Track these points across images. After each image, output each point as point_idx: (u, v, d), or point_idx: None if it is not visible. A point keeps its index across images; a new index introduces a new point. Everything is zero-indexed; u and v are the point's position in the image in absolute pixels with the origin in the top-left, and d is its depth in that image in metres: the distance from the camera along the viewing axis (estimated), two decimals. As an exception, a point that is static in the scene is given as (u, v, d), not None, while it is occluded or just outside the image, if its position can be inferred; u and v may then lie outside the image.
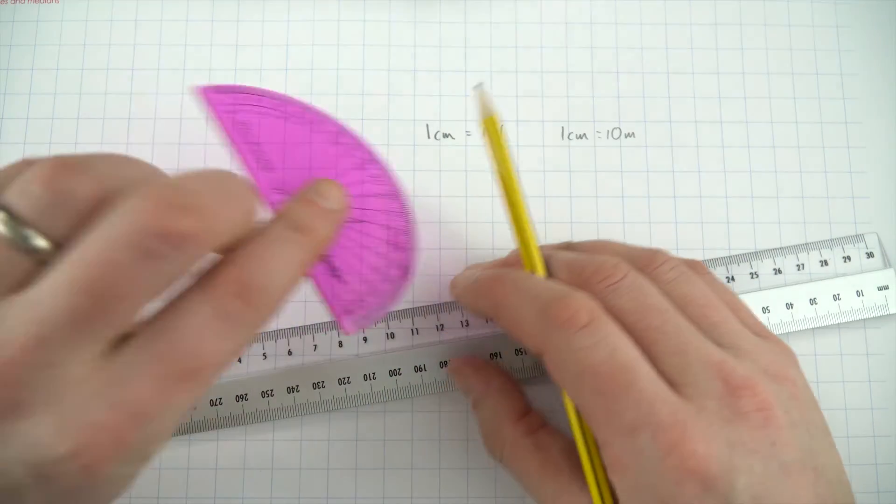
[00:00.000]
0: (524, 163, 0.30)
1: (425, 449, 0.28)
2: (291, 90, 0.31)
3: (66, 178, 0.16)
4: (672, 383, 0.20)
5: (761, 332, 0.22)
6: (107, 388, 0.16)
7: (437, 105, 0.31)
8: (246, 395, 0.27)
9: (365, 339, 0.28)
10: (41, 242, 0.15)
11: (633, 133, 0.31)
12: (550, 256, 0.23)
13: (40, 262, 0.16)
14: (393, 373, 0.27)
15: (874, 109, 0.31)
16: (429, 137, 0.30)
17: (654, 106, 0.31)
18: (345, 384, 0.27)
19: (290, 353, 0.28)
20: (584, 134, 0.31)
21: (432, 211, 0.30)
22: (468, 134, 0.30)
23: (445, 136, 0.30)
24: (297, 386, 0.27)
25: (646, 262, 0.23)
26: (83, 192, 0.16)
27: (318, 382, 0.27)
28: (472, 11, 0.32)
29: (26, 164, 0.17)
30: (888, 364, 0.29)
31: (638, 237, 0.30)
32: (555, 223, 0.30)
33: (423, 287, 0.29)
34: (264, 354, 0.28)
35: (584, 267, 0.22)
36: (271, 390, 0.27)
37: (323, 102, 0.30)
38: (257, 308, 0.17)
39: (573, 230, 0.30)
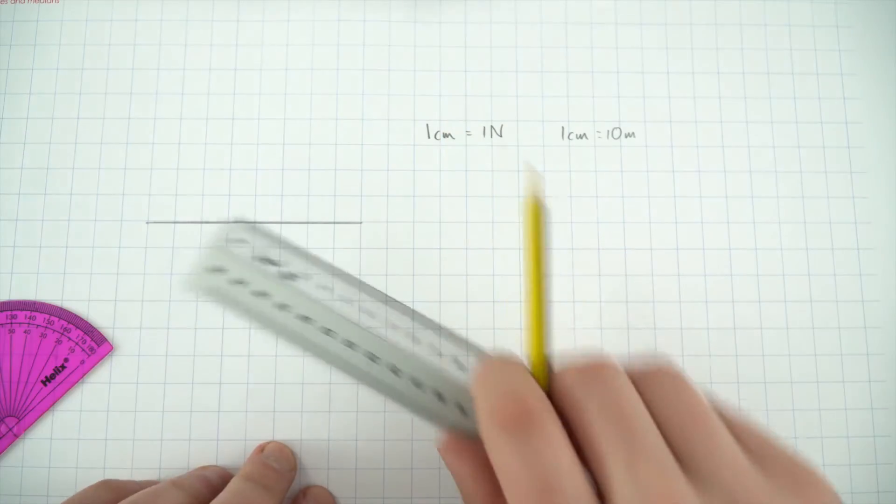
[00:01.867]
0: (524, 163, 0.30)
1: (426, 449, 0.28)
2: (291, 90, 0.31)
3: None
4: None
5: (769, 457, 0.17)
6: None
7: (437, 105, 0.31)
8: None
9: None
10: None
11: (633, 133, 0.31)
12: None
13: None
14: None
15: (874, 109, 0.31)
16: (429, 137, 0.30)
17: (654, 106, 0.31)
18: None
19: None
20: (584, 134, 0.31)
21: (432, 211, 0.30)
22: (468, 134, 0.30)
23: (445, 136, 0.30)
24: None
25: (647, 368, 0.20)
26: None
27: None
28: (472, 11, 0.32)
29: (104, 487, 0.24)
30: (888, 364, 0.29)
31: (638, 237, 0.30)
32: (555, 223, 0.30)
33: (423, 287, 0.29)
34: None
35: (578, 362, 0.19)
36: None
37: (323, 102, 0.31)
38: None
39: (573, 230, 0.30)
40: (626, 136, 0.31)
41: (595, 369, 0.19)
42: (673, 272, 0.29)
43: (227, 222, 0.29)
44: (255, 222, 0.29)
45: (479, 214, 0.30)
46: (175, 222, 0.29)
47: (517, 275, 0.29)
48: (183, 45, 0.31)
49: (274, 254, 0.27)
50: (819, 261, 0.30)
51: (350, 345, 0.27)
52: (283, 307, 0.27)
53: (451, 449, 0.24)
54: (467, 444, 0.24)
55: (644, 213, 0.30)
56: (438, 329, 0.27)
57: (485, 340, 0.29)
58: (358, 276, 0.29)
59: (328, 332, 0.27)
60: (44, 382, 0.28)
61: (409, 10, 0.32)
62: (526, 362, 0.21)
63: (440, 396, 0.26)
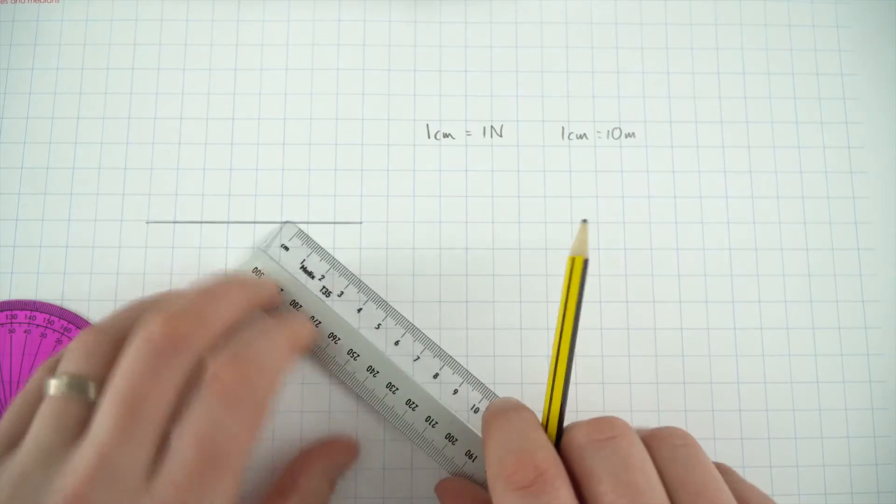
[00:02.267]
0: (524, 163, 0.30)
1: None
2: (291, 90, 0.31)
3: (96, 338, 0.21)
4: None
5: None
6: (154, 493, 0.18)
7: (437, 105, 0.31)
8: None
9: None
10: (91, 386, 0.20)
11: (633, 133, 0.31)
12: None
13: (92, 403, 0.20)
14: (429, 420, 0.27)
15: (874, 109, 0.31)
16: (429, 137, 0.30)
17: (654, 106, 0.31)
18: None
19: None
20: (584, 134, 0.31)
21: (432, 211, 0.30)
22: (468, 134, 0.30)
23: (445, 136, 0.30)
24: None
25: (658, 433, 0.21)
26: (104, 341, 0.21)
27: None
28: (472, 11, 0.32)
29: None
30: (888, 364, 0.29)
31: (638, 237, 0.30)
32: (555, 223, 0.30)
33: (423, 287, 0.29)
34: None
35: (591, 422, 0.20)
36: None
37: (323, 102, 0.31)
38: (252, 380, 0.20)
39: (573, 230, 0.30)
40: (626, 136, 0.31)
41: (607, 428, 0.19)
42: (673, 272, 0.29)
43: (281, 222, 0.29)
44: (306, 221, 0.29)
45: (480, 214, 0.30)
46: (175, 222, 0.29)
47: (517, 275, 0.29)
48: (183, 45, 0.31)
49: (315, 265, 0.28)
50: (819, 261, 0.30)
51: (372, 371, 0.27)
52: (313, 321, 0.27)
53: (450, 492, 0.25)
54: (468, 489, 0.25)
55: (644, 213, 0.30)
56: (466, 374, 0.27)
57: (484, 340, 0.29)
58: (358, 275, 0.29)
59: (352, 353, 0.27)
60: (44, 382, 0.28)
61: (409, 10, 0.32)
62: (538, 412, 0.21)
63: (451, 439, 0.26)
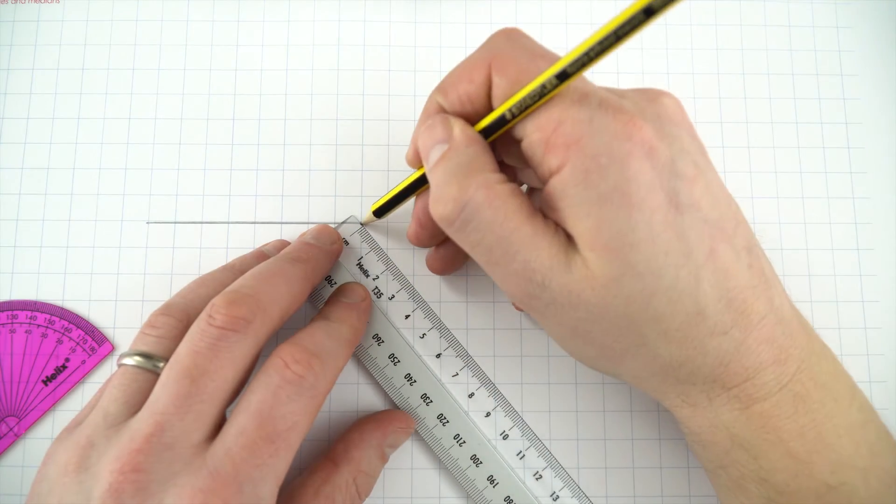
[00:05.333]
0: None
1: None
2: (291, 90, 0.31)
3: (163, 318, 0.23)
4: None
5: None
6: (209, 461, 0.19)
7: (437, 105, 0.31)
8: None
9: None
10: (161, 364, 0.22)
11: (633, 133, 0.31)
12: None
13: (157, 378, 0.21)
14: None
15: (874, 110, 0.31)
16: (429, 137, 0.30)
17: (655, 106, 0.31)
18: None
19: None
20: (585, 134, 0.31)
21: (432, 211, 0.30)
22: (468, 134, 0.30)
23: (446, 136, 0.30)
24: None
25: None
26: (174, 322, 0.23)
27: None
28: (472, 12, 0.32)
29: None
30: (888, 364, 0.29)
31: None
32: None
33: (423, 287, 0.29)
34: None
35: None
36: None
37: (323, 102, 0.31)
38: (315, 370, 0.21)
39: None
40: (626, 137, 0.31)
41: None
42: (673, 272, 0.29)
43: (343, 223, 0.29)
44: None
45: (480, 215, 0.30)
46: (175, 222, 0.29)
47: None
48: (183, 45, 0.31)
49: (372, 265, 0.28)
50: (819, 261, 0.30)
51: (442, 420, 0.27)
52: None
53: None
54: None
55: (644, 214, 0.30)
56: (535, 439, 0.27)
57: (484, 340, 0.29)
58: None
59: (409, 378, 0.27)
60: (45, 382, 0.28)
61: (410, 10, 0.32)
62: None
63: (510, 502, 0.26)
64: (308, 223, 0.29)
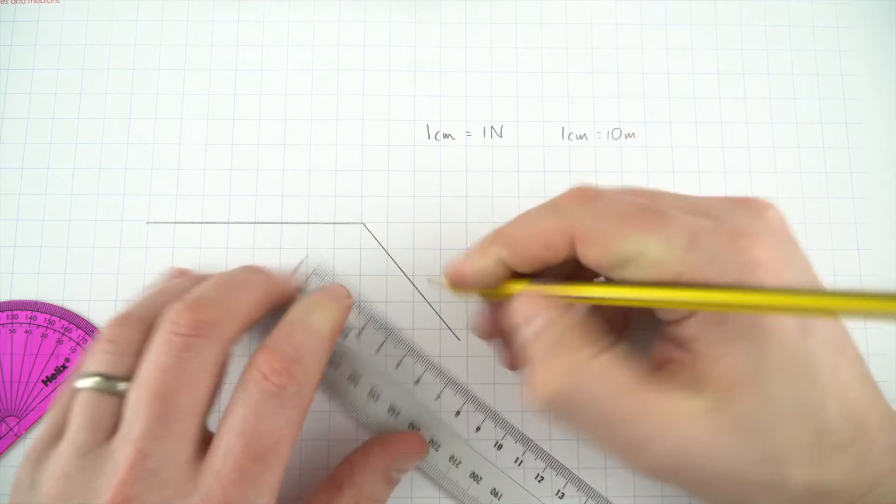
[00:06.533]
0: (524, 163, 0.30)
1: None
2: (291, 90, 0.31)
3: (120, 331, 0.21)
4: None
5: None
6: (200, 487, 0.19)
7: (437, 105, 0.31)
8: None
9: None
10: (122, 386, 0.20)
11: (633, 133, 0.31)
12: None
13: (122, 400, 0.20)
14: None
15: (874, 110, 0.31)
16: (429, 138, 0.30)
17: (654, 106, 0.31)
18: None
19: None
20: (584, 134, 0.31)
21: (433, 211, 0.30)
22: (468, 134, 0.30)
23: (445, 136, 0.30)
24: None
25: None
26: (132, 335, 0.21)
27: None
28: (472, 11, 0.32)
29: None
30: (888, 364, 0.29)
31: (638, 237, 0.30)
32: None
33: (424, 287, 0.29)
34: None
35: None
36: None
37: (323, 103, 0.31)
38: (297, 377, 0.20)
39: (573, 230, 0.30)
40: (626, 137, 0.31)
41: None
42: (673, 272, 0.29)
43: (299, 265, 0.29)
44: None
45: (479, 215, 0.30)
46: (175, 222, 0.29)
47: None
48: (183, 45, 0.31)
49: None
50: (819, 260, 0.30)
51: (434, 445, 0.27)
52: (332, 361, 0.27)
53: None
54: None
55: (644, 214, 0.30)
56: (551, 459, 0.27)
57: (476, 342, 0.29)
58: (358, 276, 0.29)
59: (392, 410, 0.27)
60: (45, 382, 0.28)
61: (410, 10, 0.32)
62: None
63: (476, 478, 0.26)
64: (308, 223, 0.29)
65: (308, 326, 0.22)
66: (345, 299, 0.24)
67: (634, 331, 0.26)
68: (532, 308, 0.21)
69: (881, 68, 0.31)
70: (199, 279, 0.24)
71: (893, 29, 0.32)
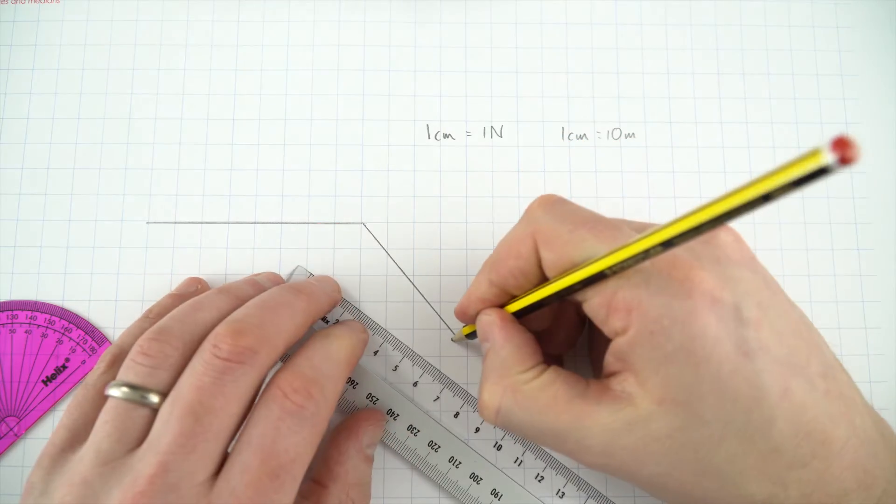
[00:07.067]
0: (524, 163, 0.30)
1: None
2: (291, 90, 0.31)
3: (158, 346, 0.21)
4: None
5: None
6: (214, 498, 0.19)
7: (437, 105, 0.31)
8: None
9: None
10: (154, 398, 0.21)
11: (633, 133, 0.31)
12: None
13: (154, 412, 0.20)
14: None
15: (874, 110, 0.31)
16: (429, 137, 0.30)
17: (654, 106, 0.31)
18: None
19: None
20: (584, 134, 0.31)
21: (433, 211, 0.30)
22: (468, 134, 0.30)
23: (445, 136, 0.30)
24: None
25: None
26: (167, 350, 0.21)
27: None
28: (472, 11, 0.32)
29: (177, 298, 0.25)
30: (888, 364, 0.29)
31: (638, 237, 0.30)
32: (555, 223, 0.30)
33: (423, 287, 0.29)
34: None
35: None
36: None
37: (323, 102, 0.31)
38: (315, 398, 0.21)
39: (573, 230, 0.30)
40: (626, 137, 0.31)
41: None
42: (673, 272, 0.29)
43: (292, 273, 0.29)
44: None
45: (479, 215, 0.30)
46: (175, 222, 0.29)
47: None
48: (183, 45, 0.31)
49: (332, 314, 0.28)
50: (819, 261, 0.30)
51: (434, 447, 0.27)
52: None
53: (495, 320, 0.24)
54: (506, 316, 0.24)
55: (644, 214, 0.30)
56: (571, 476, 0.27)
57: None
58: (358, 276, 0.29)
59: (391, 412, 0.27)
60: (45, 382, 0.28)
61: (410, 10, 0.32)
62: None
63: (477, 479, 0.26)
64: (308, 223, 0.29)
65: (327, 353, 0.23)
66: (361, 333, 0.26)
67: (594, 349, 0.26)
68: (485, 330, 0.23)
69: (881, 68, 0.31)
70: (227, 290, 0.25)
71: (893, 29, 0.32)
